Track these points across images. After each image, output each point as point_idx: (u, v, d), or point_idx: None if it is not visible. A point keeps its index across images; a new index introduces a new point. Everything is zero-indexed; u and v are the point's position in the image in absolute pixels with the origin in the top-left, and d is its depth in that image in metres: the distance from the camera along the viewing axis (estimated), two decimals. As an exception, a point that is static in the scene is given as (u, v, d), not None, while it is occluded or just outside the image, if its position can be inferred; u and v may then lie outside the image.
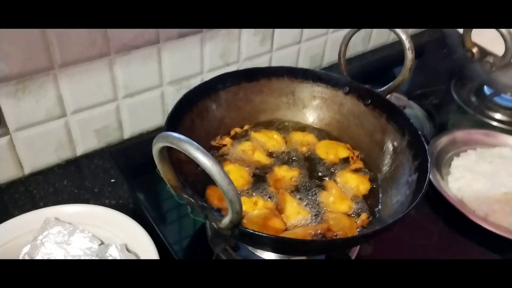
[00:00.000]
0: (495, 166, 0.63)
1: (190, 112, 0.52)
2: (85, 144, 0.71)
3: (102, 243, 0.53)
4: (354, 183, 0.54)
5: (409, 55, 0.50)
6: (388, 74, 0.92)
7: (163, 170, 0.39)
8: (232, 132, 0.59)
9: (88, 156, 0.71)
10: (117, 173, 0.69)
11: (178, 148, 0.34)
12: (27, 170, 0.67)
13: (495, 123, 0.78)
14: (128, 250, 0.52)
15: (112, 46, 0.64)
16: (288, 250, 0.45)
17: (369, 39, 1.05)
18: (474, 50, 0.70)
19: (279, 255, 0.50)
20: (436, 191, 0.63)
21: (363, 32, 1.00)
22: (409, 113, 0.76)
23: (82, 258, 0.52)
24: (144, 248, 0.51)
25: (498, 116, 0.80)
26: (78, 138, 0.69)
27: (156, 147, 0.36)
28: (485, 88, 0.85)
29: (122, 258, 0.51)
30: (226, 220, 0.36)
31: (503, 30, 0.62)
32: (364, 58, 1.04)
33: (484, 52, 0.70)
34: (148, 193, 0.65)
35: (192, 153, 0.33)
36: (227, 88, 0.56)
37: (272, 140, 0.59)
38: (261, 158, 0.56)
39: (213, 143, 0.58)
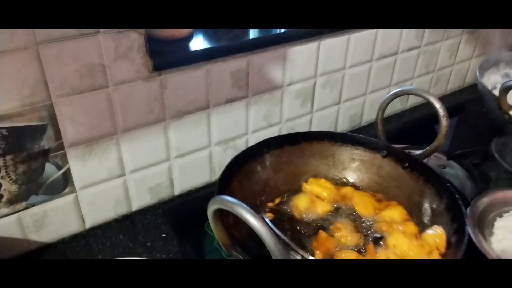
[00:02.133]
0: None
1: (237, 174, 0.56)
2: (139, 200, 0.77)
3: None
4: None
5: (444, 122, 0.54)
6: (426, 133, 0.94)
7: (216, 229, 0.43)
8: (277, 201, 0.62)
9: (142, 212, 0.77)
10: (168, 228, 0.73)
11: (230, 210, 0.38)
12: (88, 225, 0.73)
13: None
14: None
15: (167, 113, 0.71)
16: None
17: (407, 98, 1.09)
18: (511, 112, 0.72)
19: None
20: (479, 253, 0.63)
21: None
22: (449, 172, 0.77)
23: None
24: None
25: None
26: (134, 195, 0.75)
27: (211, 209, 0.41)
28: None
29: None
30: None
31: None
32: (402, 117, 1.07)
33: None
34: (195, 246, 0.69)
35: (244, 215, 0.37)
36: (271, 151, 0.61)
37: (326, 188, 0.61)
38: (323, 207, 0.59)
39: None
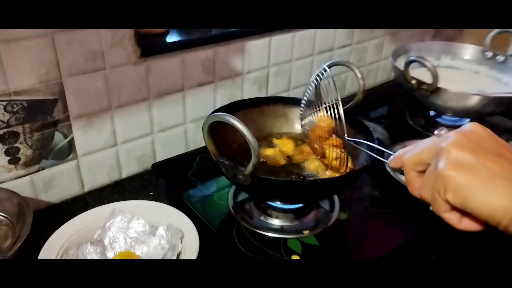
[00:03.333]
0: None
1: (215, 124, 0.73)
2: (128, 168, 0.92)
3: (152, 226, 0.72)
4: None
5: (361, 82, 0.74)
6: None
7: (208, 142, 0.61)
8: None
9: (131, 178, 0.92)
10: (154, 189, 0.89)
11: (223, 120, 0.56)
12: (87, 188, 0.87)
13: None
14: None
15: (151, 93, 0.87)
16: (287, 192, 0.66)
17: (345, 86, 1.31)
18: (413, 81, 0.95)
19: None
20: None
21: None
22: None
23: (138, 239, 0.71)
24: (185, 225, 0.71)
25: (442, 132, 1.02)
26: (124, 164, 0.90)
27: (207, 124, 0.58)
28: (431, 112, 1.10)
29: (168, 235, 0.70)
30: (249, 166, 0.57)
31: (428, 64, 0.87)
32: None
33: (419, 82, 0.94)
34: (178, 196, 0.85)
35: (232, 121, 0.55)
36: (240, 111, 0.79)
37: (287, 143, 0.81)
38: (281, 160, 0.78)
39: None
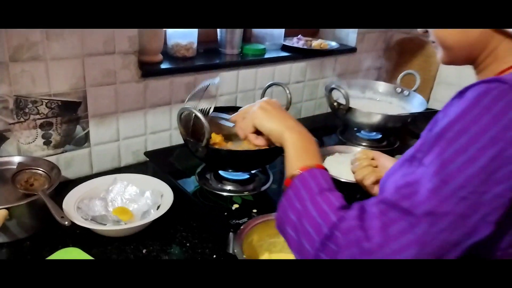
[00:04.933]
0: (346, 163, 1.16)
1: (189, 117, 1.06)
2: (126, 159, 1.23)
3: (142, 190, 1.03)
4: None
5: (288, 95, 1.09)
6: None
7: (179, 126, 0.94)
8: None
9: (127, 167, 1.23)
10: (149, 171, 1.20)
11: (189, 111, 0.89)
12: (94, 171, 1.18)
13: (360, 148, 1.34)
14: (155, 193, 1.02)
15: (147, 104, 1.21)
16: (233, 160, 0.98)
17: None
18: (335, 103, 1.29)
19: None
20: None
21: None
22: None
23: (131, 199, 1.01)
24: (165, 189, 1.01)
25: (364, 143, 1.37)
26: (123, 155, 1.22)
27: (179, 112, 0.91)
28: (355, 129, 1.44)
29: (152, 197, 1.00)
30: (204, 140, 0.89)
31: (342, 90, 1.22)
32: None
33: (338, 103, 1.29)
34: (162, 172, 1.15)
35: (193, 110, 0.88)
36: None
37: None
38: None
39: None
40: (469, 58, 0.63)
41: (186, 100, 1.03)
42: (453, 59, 0.65)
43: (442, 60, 0.67)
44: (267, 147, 0.85)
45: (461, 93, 0.54)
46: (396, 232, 0.49)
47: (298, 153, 0.68)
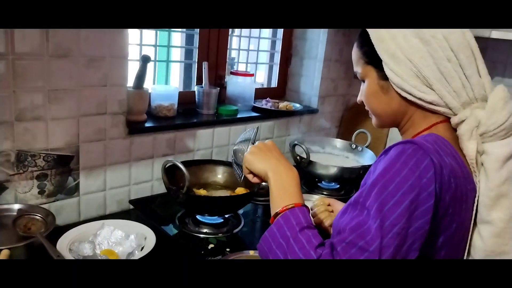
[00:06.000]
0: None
1: (172, 168, 1.20)
2: (111, 208, 1.36)
3: (126, 234, 1.15)
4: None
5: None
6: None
7: (163, 176, 1.09)
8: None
9: (112, 215, 1.35)
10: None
11: (173, 163, 1.04)
12: (82, 218, 1.30)
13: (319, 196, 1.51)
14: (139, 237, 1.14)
15: (132, 157, 1.36)
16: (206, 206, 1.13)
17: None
18: (298, 157, 1.48)
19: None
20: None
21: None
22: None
23: (116, 242, 1.13)
24: (148, 232, 1.14)
25: (324, 192, 1.54)
26: (108, 204, 1.35)
27: (163, 164, 1.07)
28: (316, 179, 1.62)
29: (137, 240, 1.12)
30: (185, 188, 1.04)
31: (303, 146, 1.41)
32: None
33: (300, 157, 1.48)
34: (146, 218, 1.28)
35: (175, 162, 1.04)
36: (192, 165, 1.28)
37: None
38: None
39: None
40: (394, 122, 0.82)
41: (236, 144, 1.08)
42: (383, 123, 0.84)
43: (375, 124, 0.86)
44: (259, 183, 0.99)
45: (386, 151, 0.72)
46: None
47: (280, 193, 0.80)
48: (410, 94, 0.74)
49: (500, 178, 0.68)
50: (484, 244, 0.70)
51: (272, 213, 0.78)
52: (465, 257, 0.73)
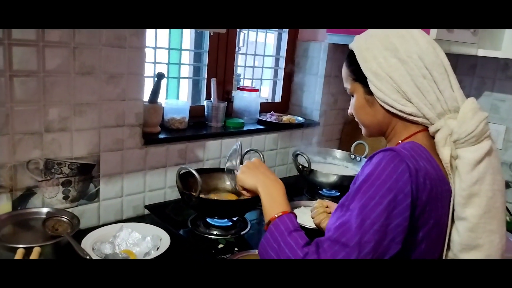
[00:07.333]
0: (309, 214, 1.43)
1: (186, 175, 1.32)
2: (127, 213, 1.46)
3: (143, 236, 1.26)
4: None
5: (262, 159, 1.38)
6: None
7: (177, 181, 1.20)
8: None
9: (128, 220, 1.46)
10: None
11: (187, 170, 1.16)
12: (101, 222, 1.40)
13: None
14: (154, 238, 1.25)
15: (146, 166, 1.47)
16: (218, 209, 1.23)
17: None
18: (300, 166, 1.59)
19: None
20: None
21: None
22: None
23: (134, 243, 1.24)
24: (163, 234, 1.25)
25: (325, 199, 1.64)
26: (125, 209, 1.45)
27: (178, 171, 1.18)
28: (317, 187, 1.73)
29: (153, 241, 1.23)
30: (197, 191, 1.15)
31: (305, 156, 1.52)
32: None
33: (302, 166, 1.59)
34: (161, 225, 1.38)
35: (189, 169, 1.15)
36: (203, 173, 1.39)
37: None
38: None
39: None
40: (380, 132, 0.93)
41: (227, 160, 1.20)
42: (370, 133, 0.95)
43: (364, 133, 0.97)
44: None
45: (370, 158, 0.83)
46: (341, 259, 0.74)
47: (270, 203, 0.92)
48: (392, 107, 0.84)
49: (472, 179, 0.78)
50: (460, 238, 0.80)
51: (265, 221, 0.89)
52: (444, 250, 0.83)
